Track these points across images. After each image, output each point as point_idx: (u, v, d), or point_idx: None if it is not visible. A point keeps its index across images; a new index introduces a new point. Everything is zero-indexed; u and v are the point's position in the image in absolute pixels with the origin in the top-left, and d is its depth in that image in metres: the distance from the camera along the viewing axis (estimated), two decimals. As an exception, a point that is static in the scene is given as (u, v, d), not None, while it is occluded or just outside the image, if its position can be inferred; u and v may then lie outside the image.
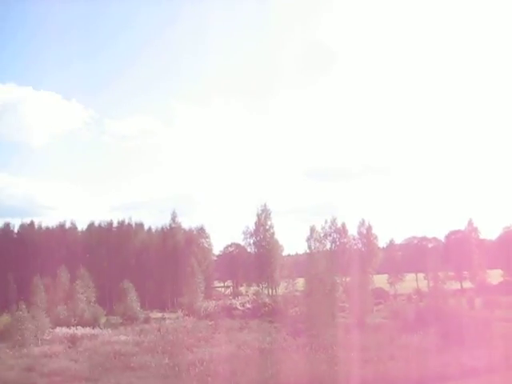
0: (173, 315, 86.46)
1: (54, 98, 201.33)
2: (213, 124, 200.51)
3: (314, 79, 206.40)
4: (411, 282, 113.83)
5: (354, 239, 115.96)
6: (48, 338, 62.17)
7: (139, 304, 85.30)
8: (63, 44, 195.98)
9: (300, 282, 79.22)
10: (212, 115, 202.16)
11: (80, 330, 65.97)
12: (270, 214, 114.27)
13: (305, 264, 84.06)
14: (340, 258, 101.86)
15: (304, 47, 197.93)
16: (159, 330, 64.94)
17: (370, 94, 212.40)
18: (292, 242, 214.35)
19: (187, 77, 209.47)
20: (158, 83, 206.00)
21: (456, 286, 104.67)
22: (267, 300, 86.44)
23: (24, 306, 64.87)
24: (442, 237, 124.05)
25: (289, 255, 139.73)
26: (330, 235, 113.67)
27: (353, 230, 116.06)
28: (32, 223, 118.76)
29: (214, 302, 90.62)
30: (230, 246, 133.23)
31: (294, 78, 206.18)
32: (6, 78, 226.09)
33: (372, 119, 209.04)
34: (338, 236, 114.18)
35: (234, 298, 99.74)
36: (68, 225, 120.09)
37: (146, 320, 79.57)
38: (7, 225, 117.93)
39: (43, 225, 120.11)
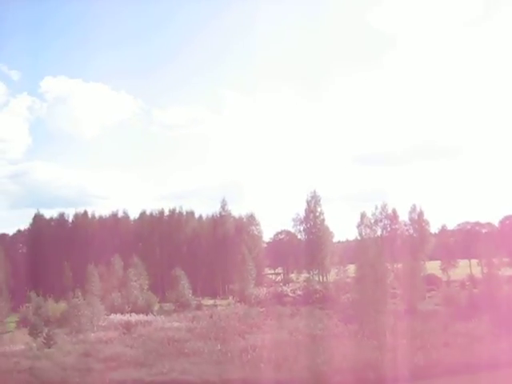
0: (224, 302, 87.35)
1: (103, 89, 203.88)
2: (261, 112, 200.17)
3: (365, 64, 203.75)
4: (464, 268, 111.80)
5: (405, 225, 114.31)
6: (103, 324, 63.43)
7: (191, 291, 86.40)
8: (111, 36, 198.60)
9: (351, 269, 78.74)
10: (260, 103, 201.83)
11: (134, 317, 67.17)
12: (319, 201, 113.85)
13: (355, 250, 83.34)
14: (391, 244, 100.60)
15: (356, 32, 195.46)
16: (211, 317, 65.68)
17: (419, 79, 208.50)
18: (342, 228, 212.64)
19: (236, 65, 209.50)
20: (205, 72, 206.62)
21: (511, 272, 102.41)
22: (318, 287, 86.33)
23: (80, 294, 66.47)
24: (496, 222, 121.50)
25: (339, 242, 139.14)
26: (380, 221, 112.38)
27: (404, 216, 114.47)
28: (85, 213, 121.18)
29: (264, 288, 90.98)
30: (280, 233, 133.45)
31: (344, 63, 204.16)
32: (56, 71, 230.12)
33: (422, 104, 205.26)
34: (389, 222, 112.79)
35: (284, 284, 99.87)
36: (120, 214, 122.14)
37: (198, 307, 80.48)
38: (62, 215, 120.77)
39: (96, 214, 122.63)
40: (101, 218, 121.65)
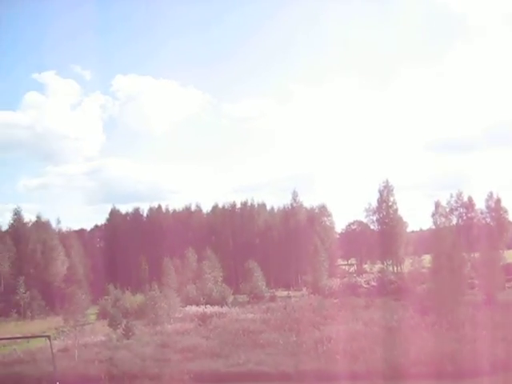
0: (297, 293, 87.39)
1: (171, 85, 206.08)
2: (329, 102, 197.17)
3: (437, 47, 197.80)
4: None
5: (482, 213, 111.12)
6: (179, 316, 64.56)
7: (264, 283, 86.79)
8: (178, 31, 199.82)
9: (426, 259, 77.28)
10: (328, 94, 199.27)
11: (209, 309, 68.17)
12: (392, 190, 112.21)
13: (430, 240, 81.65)
14: (467, 233, 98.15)
15: (426, 17, 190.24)
16: (285, 308, 65.76)
17: (495, 59, 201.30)
18: (416, 217, 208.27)
19: (302, 56, 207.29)
20: (272, 64, 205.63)
21: None
22: (393, 277, 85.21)
23: (156, 286, 67.88)
24: None
25: (413, 231, 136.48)
26: (456, 210, 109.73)
27: (480, 204, 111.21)
28: (159, 207, 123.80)
29: (338, 279, 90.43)
30: (353, 223, 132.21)
31: (413, 49, 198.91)
32: (127, 70, 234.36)
33: (496, 87, 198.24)
34: (465, 210, 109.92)
35: (358, 275, 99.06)
36: (193, 207, 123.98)
37: (272, 298, 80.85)
38: (137, 209, 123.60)
39: (170, 208, 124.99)
40: (174, 211, 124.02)
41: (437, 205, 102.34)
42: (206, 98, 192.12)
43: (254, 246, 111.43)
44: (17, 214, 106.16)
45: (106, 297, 78.73)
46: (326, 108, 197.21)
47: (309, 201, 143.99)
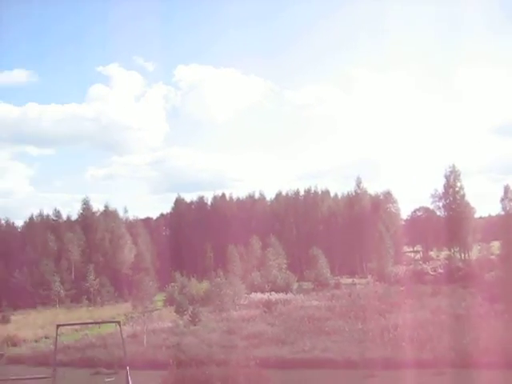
0: (362, 280, 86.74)
1: (233, 74, 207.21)
2: (392, 88, 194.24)
3: (502, 27, 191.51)
4: None
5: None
6: (244, 303, 65.21)
7: (329, 270, 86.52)
8: (238, 19, 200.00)
9: (495, 246, 75.45)
10: (391, 80, 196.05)
11: (274, 296, 68.44)
12: (459, 175, 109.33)
13: (499, 226, 79.51)
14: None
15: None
16: (350, 296, 65.46)
17: None
18: (484, 203, 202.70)
19: (366, 43, 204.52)
20: (334, 51, 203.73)
21: None
22: (460, 264, 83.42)
23: (221, 273, 68.62)
24: None
25: (480, 217, 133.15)
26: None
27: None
28: (223, 195, 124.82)
29: (403, 267, 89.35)
30: (418, 210, 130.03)
31: (477, 29, 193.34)
32: (188, 60, 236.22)
33: None
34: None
35: (424, 262, 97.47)
36: (257, 195, 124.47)
37: (337, 285, 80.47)
38: (201, 198, 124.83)
39: (234, 196, 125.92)
40: (238, 199, 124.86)
41: (506, 189, 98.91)
42: (268, 86, 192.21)
43: (318, 233, 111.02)
44: (85, 204, 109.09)
45: (173, 284, 79.97)
46: (390, 93, 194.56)
47: (373, 187, 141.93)
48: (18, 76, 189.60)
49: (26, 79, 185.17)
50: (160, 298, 75.52)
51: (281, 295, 69.12)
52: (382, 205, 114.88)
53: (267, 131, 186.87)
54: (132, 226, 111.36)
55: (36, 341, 51.70)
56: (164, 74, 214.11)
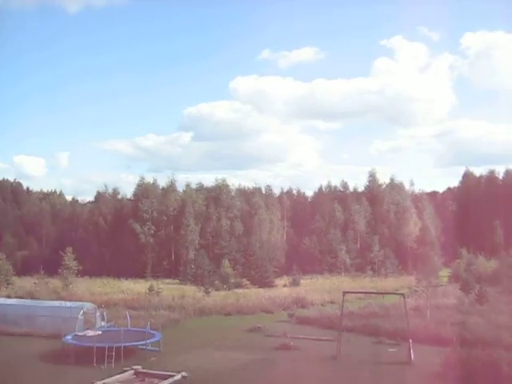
0: None
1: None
2: None
3: None
4: None
5: None
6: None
7: None
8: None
9: None
10: None
11: None
12: None
13: None
14: None
15: None
16: None
17: None
18: None
19: None
20: None
21: None
22: None
23: (512, 253, 64.63)
24: None
25: None
26: None
27: None
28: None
29: None
30: None
31: None
32: (475, 27, 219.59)
33: None
34: None
35: None
36: None
37: None
38: (492, 172, 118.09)
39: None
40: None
41: None
42: None
43: None
44: (372, 176, 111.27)
45: (458, 260, 77.78)
46: None
47: None
48: (307, 54, 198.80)
49: (314, 56, 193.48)
50: (444, 273, 74.17)
51: None
52: None
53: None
54: (417, 199, 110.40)
55: (322, 304, 54.26)
56: (450, 42, 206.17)
